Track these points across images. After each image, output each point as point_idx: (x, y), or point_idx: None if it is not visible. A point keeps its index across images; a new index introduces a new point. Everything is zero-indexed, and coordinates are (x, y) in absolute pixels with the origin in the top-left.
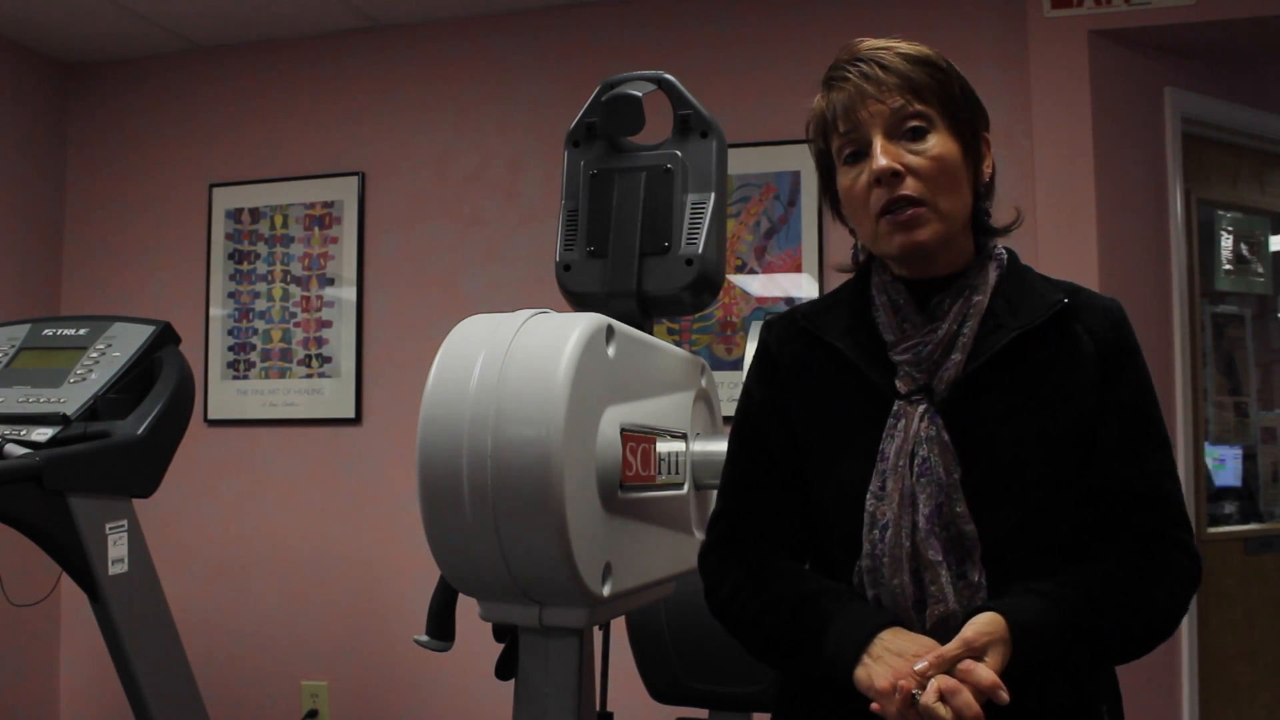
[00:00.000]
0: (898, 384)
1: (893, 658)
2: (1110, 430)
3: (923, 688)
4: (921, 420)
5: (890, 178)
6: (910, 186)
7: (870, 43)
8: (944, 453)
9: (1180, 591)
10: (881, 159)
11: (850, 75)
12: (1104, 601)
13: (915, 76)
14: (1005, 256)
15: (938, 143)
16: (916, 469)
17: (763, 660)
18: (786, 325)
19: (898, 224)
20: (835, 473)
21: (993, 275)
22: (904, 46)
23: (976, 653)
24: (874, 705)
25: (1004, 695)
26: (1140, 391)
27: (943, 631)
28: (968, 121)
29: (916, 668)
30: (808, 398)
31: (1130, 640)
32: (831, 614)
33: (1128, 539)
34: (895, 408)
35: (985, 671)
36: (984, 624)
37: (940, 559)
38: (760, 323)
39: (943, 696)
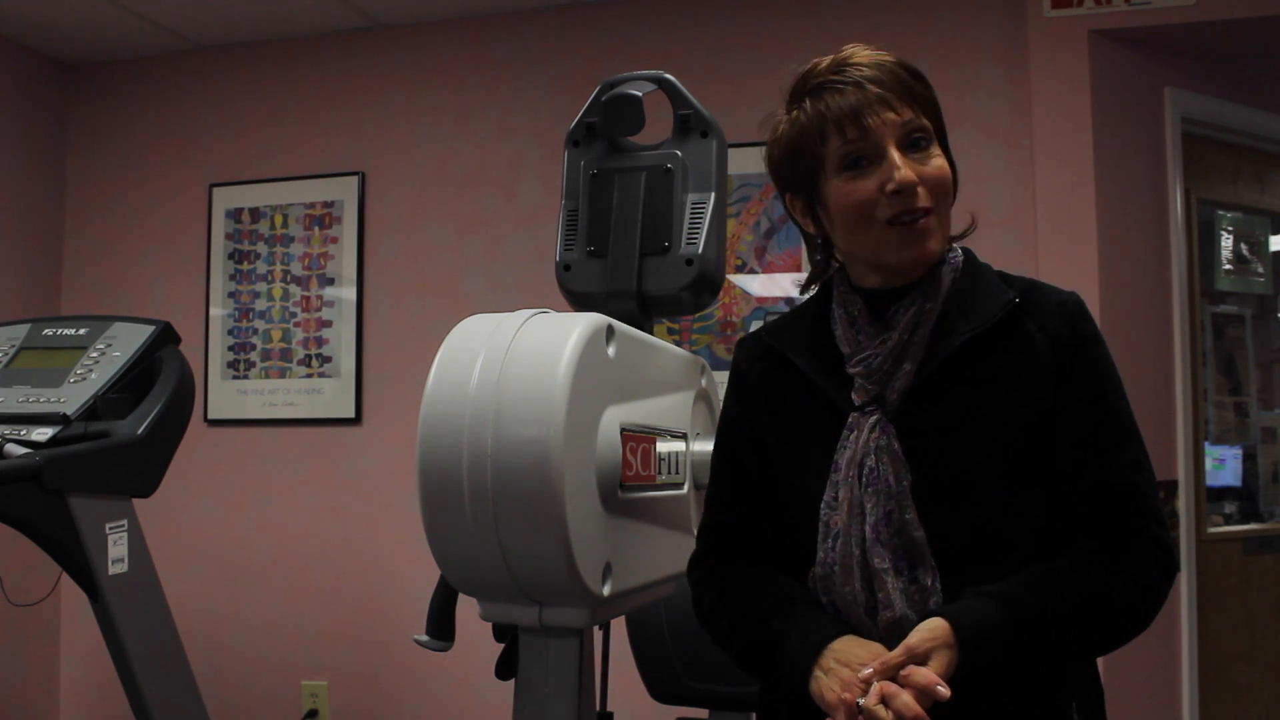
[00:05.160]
0: (853, 396)
1: (841, 669)
2: (1068, 425)
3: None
4: (873, 430)
5: (912, 192)
6: (923, 197)
7: (865, 51)
8: (893, 461)
9: (1148, 583)
10: (906, 171)
11: (852, 83)
12: (1061, 598)
13: (917, 90)
14: (960, 259)
15: (937, 154)
16: (864, 478)
17: (745, 673)
18: (755, 343)
19: (913, 233)
20: (796, 487)
21: (946, 281)
22: (894, 58)
23: (920, 658)
24: None
25: (943, 691)
26: (1099, 383)
27: (896, 636)
28: (945, 139)
29: (861, 675)
30: (773, 414)
31: (1094, 635)
32: (785, 630)
33: (1093, 534)
34: (850, 420)
35: (925, 673)
36: (928, 630)
37: (887, 566)
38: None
39: (885, 701)
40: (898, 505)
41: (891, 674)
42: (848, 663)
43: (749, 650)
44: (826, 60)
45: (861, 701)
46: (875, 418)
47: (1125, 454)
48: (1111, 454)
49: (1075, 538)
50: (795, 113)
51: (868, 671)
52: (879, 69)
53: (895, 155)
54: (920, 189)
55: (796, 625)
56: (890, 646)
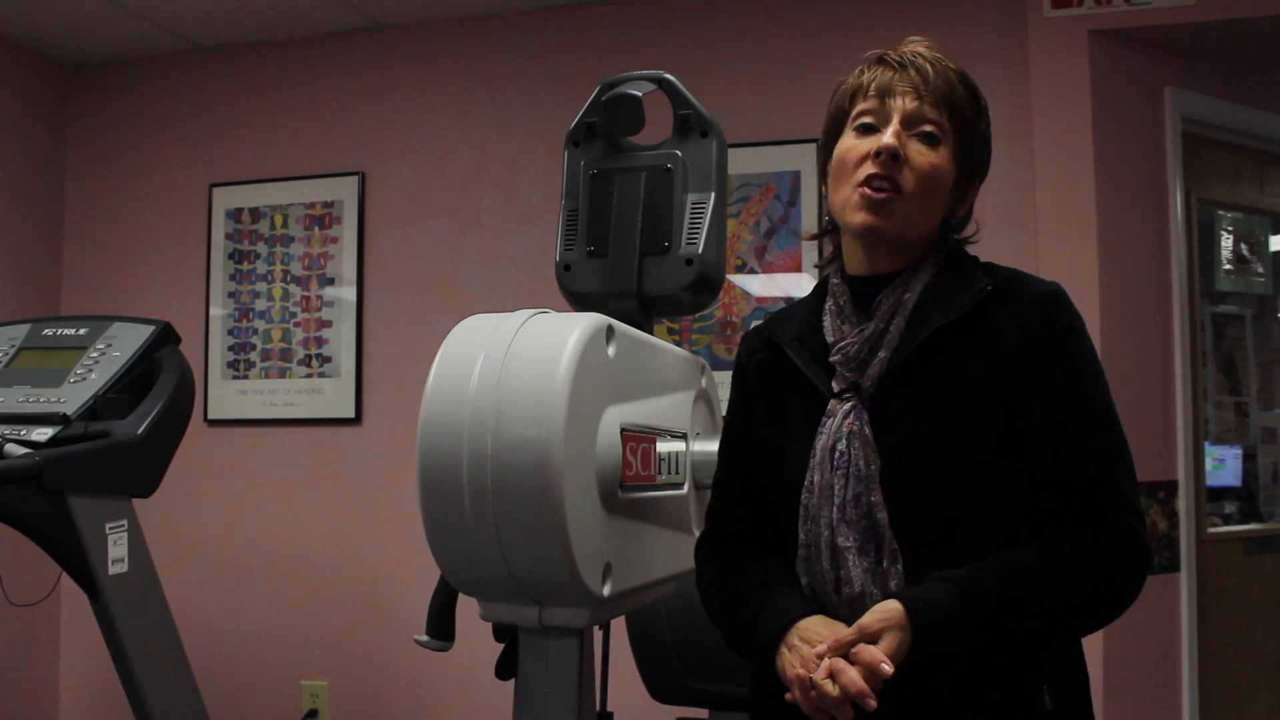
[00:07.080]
0: (834, 383)
1: (803, 646)
2: (1039, 415)
3: None
4: (846, 416)
5: (890, 159)
6: (903, 177)
7: (929, 49)
8: (864, 446)
9: (1117, 574)
10: (891, 139)
11: (899, 64)
12: (1023, 586)
13: (954, 95)
14: (945, 253)
15: (941, 156)
16: (835, 462)
17: (734, 652)
18: (755, 336)
19: (872, 199)
20: (782, 472)
21: (926, 273)
22: (953, 64)
23: (871, 638)
24: (787, 695)
25: (886, 669)
26: (1072, 372)
27: (859, 612)
28: (977, 160)
29: (815, 652)
30: (767, 402)
31: (1056, 623)
32: (760, 609)
33: (1063, 524)
34: (828, 406)
35: (872, 650)
36: (881, 611)
37: (851, 545)
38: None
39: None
40: (865, 488)
41: (844, 651)
42: (809, 640)
43: (733, 628)
44: (899, 45)
45: (813, 677)
46: (850, 404)
47: (1099, 443)
48: (1085, 443)
49: (1046, 527)
50: (851, 79)
51: (821, 648)
52: (931, 64)
53: (895, 127)
54: (905, 169)
55: (770, 604)
56: (853, 623)
